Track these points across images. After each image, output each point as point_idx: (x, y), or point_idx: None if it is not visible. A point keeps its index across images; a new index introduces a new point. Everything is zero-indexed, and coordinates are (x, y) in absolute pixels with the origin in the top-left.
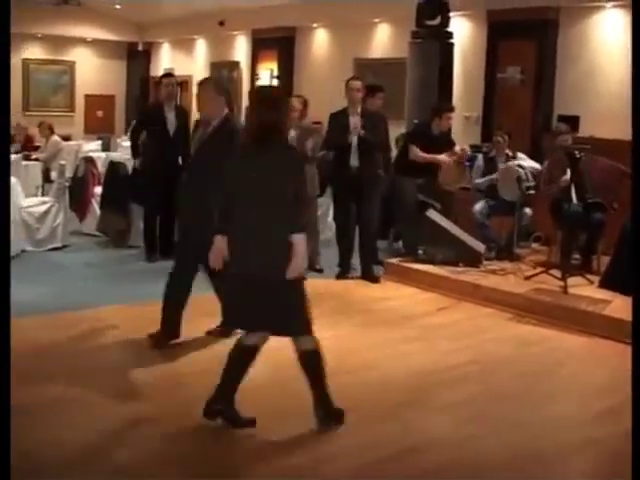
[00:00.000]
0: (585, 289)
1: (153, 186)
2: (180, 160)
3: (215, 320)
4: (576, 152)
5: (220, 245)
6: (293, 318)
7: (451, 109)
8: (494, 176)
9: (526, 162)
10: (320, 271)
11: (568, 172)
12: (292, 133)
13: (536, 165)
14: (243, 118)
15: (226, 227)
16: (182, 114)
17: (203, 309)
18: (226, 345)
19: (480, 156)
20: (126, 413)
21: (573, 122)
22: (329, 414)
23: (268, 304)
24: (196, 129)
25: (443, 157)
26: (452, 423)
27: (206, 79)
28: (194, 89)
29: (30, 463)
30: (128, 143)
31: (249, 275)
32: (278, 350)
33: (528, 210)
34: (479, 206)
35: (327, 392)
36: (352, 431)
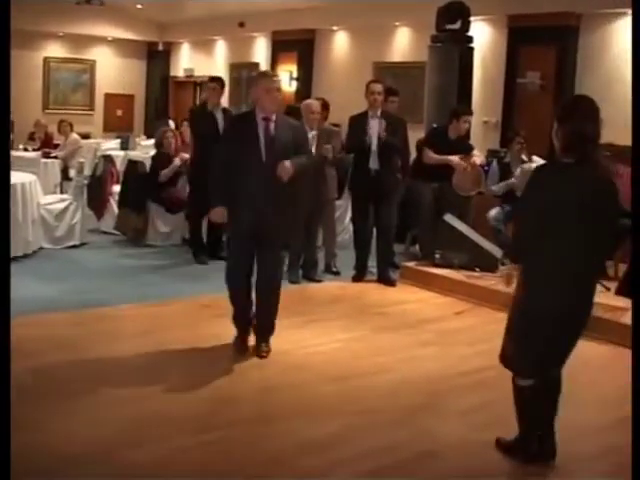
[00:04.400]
0: (602, 296)
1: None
2: None
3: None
4: None
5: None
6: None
7: (469, 112)
8: (511, 181)
9: None
10: (337, 273)
11: None
12: (311, 135)
13: None
14: None
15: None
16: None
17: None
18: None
19: (495, 162)
20: (143, 411)
21: None
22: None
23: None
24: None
25: (454, 158)
26: (468, 429)
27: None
28: None
29: (47, 459)
30: (147, 142)
31: (557, 312)
32: (286, 354)
33: None
34: (494, 212)
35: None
36: (368, 434)
